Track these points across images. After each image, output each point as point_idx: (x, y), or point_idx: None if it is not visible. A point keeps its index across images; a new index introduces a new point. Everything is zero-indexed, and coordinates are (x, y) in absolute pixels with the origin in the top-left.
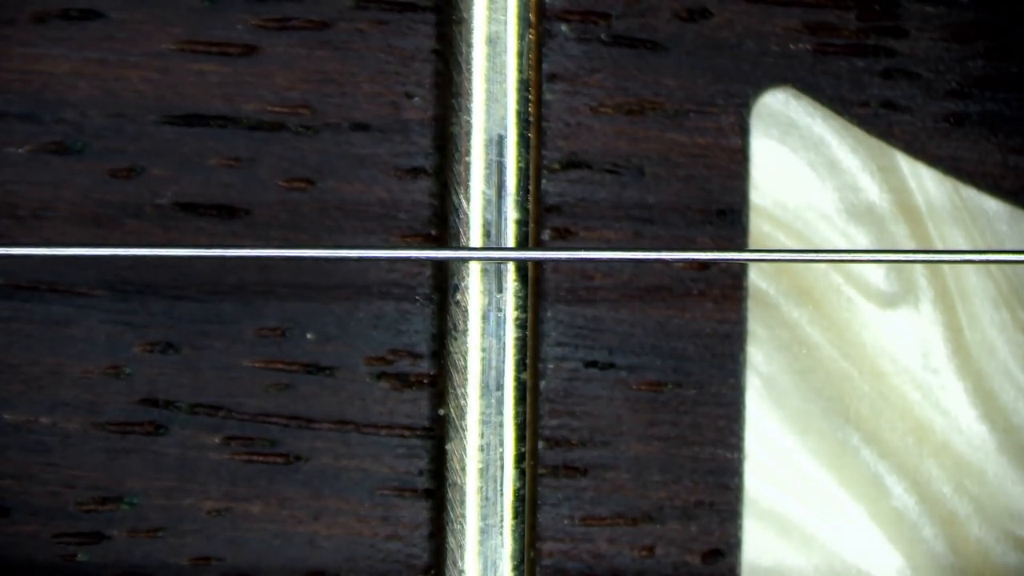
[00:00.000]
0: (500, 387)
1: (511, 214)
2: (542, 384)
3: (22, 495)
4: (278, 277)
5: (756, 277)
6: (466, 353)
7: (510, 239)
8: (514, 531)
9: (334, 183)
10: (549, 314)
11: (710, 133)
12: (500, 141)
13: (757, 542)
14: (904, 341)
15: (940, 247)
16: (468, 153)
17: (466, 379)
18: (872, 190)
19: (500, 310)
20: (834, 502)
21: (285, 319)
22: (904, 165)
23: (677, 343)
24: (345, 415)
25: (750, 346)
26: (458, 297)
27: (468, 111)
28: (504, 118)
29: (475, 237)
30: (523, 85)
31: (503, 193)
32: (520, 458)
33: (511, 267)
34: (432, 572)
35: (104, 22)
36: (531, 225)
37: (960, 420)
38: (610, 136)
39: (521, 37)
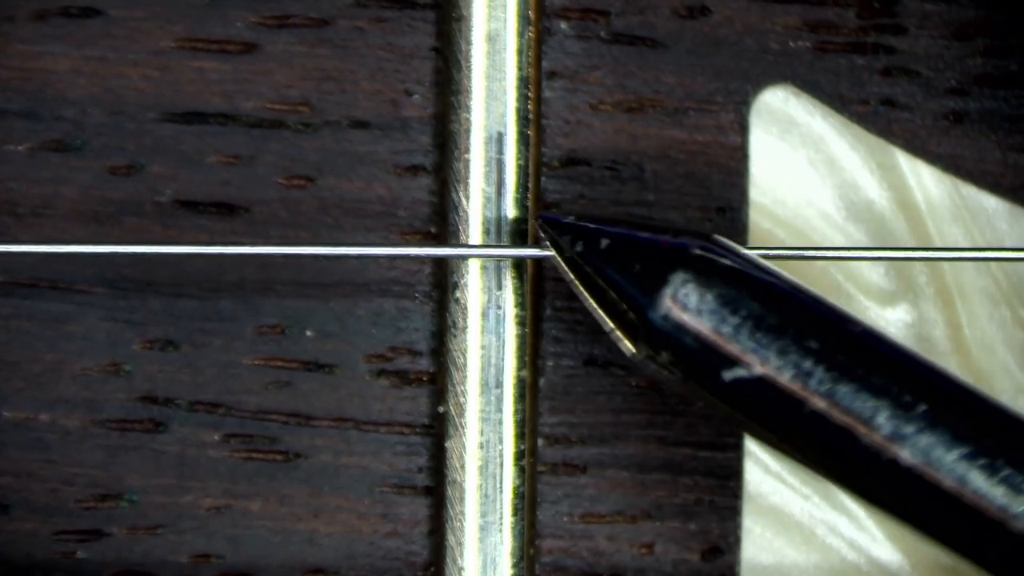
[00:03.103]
0: (499, 384)
1: (510, 211)
2: (541, 381)
3: (21, 492)
4: (278, 275)
5: None
6: (465, 350)
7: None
8: (513, 528)
9: (334, 181)
10: (548, 311)
11: (710, 131)
12: (500, 139)
13: (756, 539)
14: (903, 338)
15: (939, 245)
16: (468, 151)
17: (466, 376)
18: (872, 188)
19: (499, 307)
20: (834, 499)
21: (285, 316)
22: (904, 163)
23: None
24: (345, 412)
25: None
26: (457, 294)
27: (468, 108)
28: (504, 116)
29: (475, 234)
30: (522, 83)
31: (503, 190)
32: (519, 455)
33: (510, 264)
34: (432, 569)
35: (104, 20)
36: (530, 223)
37: None
38: (609, 134)
39: (520, 35)
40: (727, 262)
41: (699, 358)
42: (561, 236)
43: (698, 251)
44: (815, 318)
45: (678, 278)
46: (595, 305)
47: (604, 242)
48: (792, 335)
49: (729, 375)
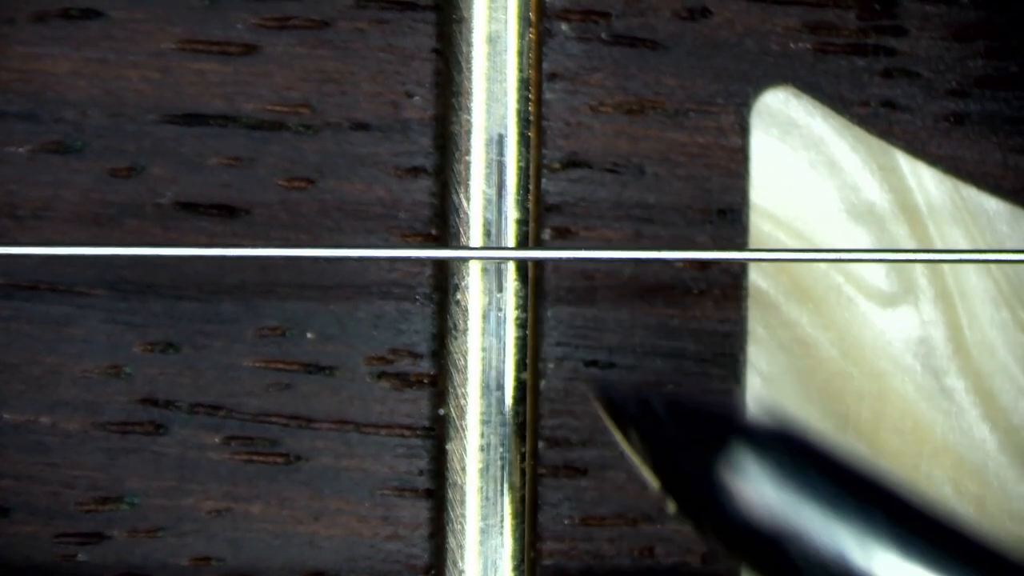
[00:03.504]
0: (500, 387)
1: (511, 213)
2: (542, 384)
3: (22, 495)
4: (278, 277)
5: (756, 276)
6: (466, 353)
7: (510, 238)
8: (514, 531)
9: (334, 182)
10: (549, 314)
11: (710, 132)
12: (500, 140)
13: None
14: (904, 341)
15: (940, 247)
16: (468, 152)
17: (466, 379)
18: (872, 189)
19: (500, 310)
20: None
21: (285, 319)
22: (904, 164)
23: (677, 343)
24: (345, 415)
25: (750, 346)
26: (458, 297)
27: (468, 110)
28: (504, 117)
29: (475, 236)
30: (523, 84)
31: (503, 192)
32: (520, 458)
33: (511, 267)
34: (432, 572)
35: (104, 21)
36: (531, 224)
37: (960, 420)
38: (610, 135)
39: (521, 36)
40: (789, 434)
41: (767, 535)
42: (619, 407)
43: (760, 426)
44: (879, 494)
45: (742, 452)
46: (654, 477)
47: (664, 414)
48: (860, 512)
49: (796, 551)
